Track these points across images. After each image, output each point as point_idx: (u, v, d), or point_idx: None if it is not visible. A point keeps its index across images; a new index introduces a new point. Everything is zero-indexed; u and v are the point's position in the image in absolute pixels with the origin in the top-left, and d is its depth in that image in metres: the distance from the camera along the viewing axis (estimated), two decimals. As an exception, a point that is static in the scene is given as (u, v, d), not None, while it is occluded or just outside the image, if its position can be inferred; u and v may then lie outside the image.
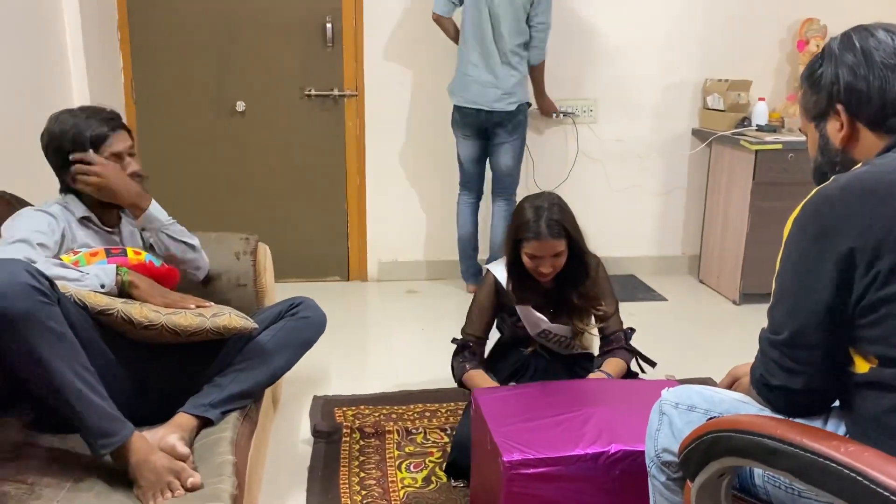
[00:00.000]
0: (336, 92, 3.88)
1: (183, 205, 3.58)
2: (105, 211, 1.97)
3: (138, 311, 1.68)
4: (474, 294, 2.34)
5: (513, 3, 3.40)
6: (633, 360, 2.25)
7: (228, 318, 1.78)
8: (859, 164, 1.18)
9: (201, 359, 1.86)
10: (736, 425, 1.10)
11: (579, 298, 2.17)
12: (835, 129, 1.23)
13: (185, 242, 2.05)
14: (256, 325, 1.87)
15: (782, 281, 1.19)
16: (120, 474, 1.54)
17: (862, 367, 1.11)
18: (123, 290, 1.76)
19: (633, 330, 2.30)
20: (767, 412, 1.22)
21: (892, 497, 0.89)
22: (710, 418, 1.27)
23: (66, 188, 1.94)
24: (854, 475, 0.93)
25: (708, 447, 1.14)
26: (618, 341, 2.24)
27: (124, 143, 1.91)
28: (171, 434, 1.64)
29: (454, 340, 2.33)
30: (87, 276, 1.72)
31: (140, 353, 1.75)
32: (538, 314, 2.20)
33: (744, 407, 1.28)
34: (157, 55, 3.77)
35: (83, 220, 1.92)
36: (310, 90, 3.86)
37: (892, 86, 1.15)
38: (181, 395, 1.79)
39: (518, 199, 3.70)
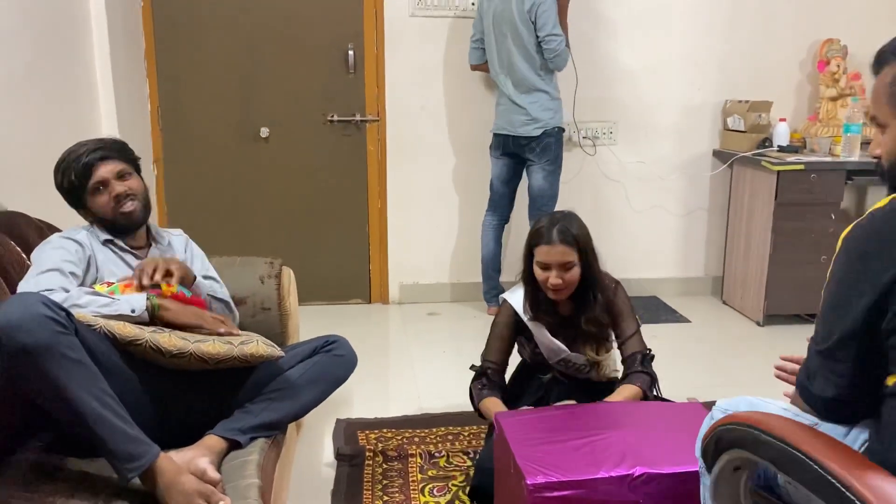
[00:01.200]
0: (358, 117, 3.94)
1: (208, 229, 3.66)
2: (129, 236, 2.01)
3: (167, 340, 1.69)
4: (493, 321, 2.33)
5: (516, 36, 3.47)
6: (652, 385, 2.18)
7: (255, 345, 1.80)
8: None
9: (230, 386, 1.88)
10: (737, 419, 1.21)
11: (587, 323, 2.15)
12: None
13: (224, 301, 2.10)
14: (283, 354, 1.89)
15: (827, 295, 1.22)
16: (149, 495, 1.55)
17: (892, 380, 1.13)
18: (154, 315, 1.77)
19: (649, 355, 2.24)
20: (802, 419, 1.25)
21: (840, 487, 0.96)
22: None
23: (88, 218, 1.99)
24: (813, 465, 1.01)
25: (717, 440, 1.24)
26: (633, 364, 2.18)
27: (111, 170, 1.96)
28: (200, 457, 1.65)
29: (473, 367, 2.32)
30: (118, 301, 1.75)
31: (168, 380, 1.77)
32: (555, 340, 2.19)
33: (783, 414, 1.30)
34: (182, 84, 3.85)
35: (106, 243, 1.96)
36: (332, 116, 3.92)
37: None
38: (208, 421, 1.80)
39: None
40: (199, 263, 2.16)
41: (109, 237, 1.97)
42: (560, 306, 2.20)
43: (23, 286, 1.76)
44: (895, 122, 1.23)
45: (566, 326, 2.20)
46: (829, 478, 0.97)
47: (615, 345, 2.24)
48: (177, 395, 1.80)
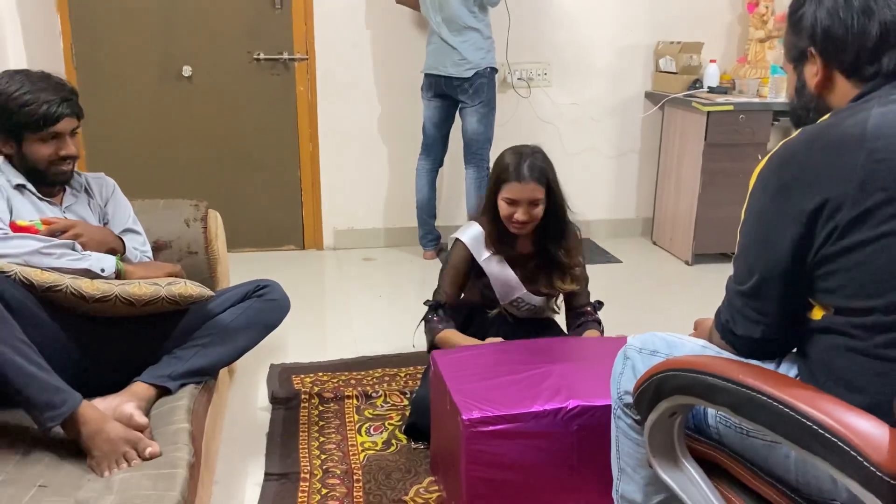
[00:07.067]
0: (286, 55, 3.79)
1: (130, 172, 3.49)
2: (43, 182, 1.90)
3: (89, 285, 1.64)
4: (446, 258, 2.26)
5: None
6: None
7: (184, 286, 1.76)
8: (827, 115, 1.15)
9: (158, 332, 1.83)
10: (680, 364, 1.14)
11: (566, 255, 2.15)
12: (811, 73, 1.20)
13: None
14: (213, 293, 1.86)
15: (745, 234, 1.19)
16: (71, 444, 1.50)
17: (818, 314, 1.13)
18: (120, 277, 1.78)
19: (601, 303, 2.28)
20: (726, 356, 1.23)
21: (813, 425, 0.92)
22: None
23: (6, 150, 1.86)
24: (781, 407, 0.96)
25: (657, 386, 1.17)
26: (587, 315, 2.21)
27: (70, 126, 1.86)
28: (126, 403, 1.61)
29: (426, 302, 2.25)
30: (89, 257, 1.73)
31: (92, 327, 1.71)
32: (514, 276, 2.16)
33: (704, 352, 1.29)
34: (97, 19, 3.62)
35: (18, 188, 1.84)
36: (258, 54, 3.77)
37: (869, 32, 1.11)
38: (137, 370, 1.76)
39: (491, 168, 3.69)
40: (123, 213, 2.06)
41: (22, 182, 1.85)
42: (520, 243, 2.17)
43: None
44: (788, 70, 1.28)
45: (523, 265, 2.18)
46: (799, 417, 0.93)
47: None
48: (102, 343, 1.75)
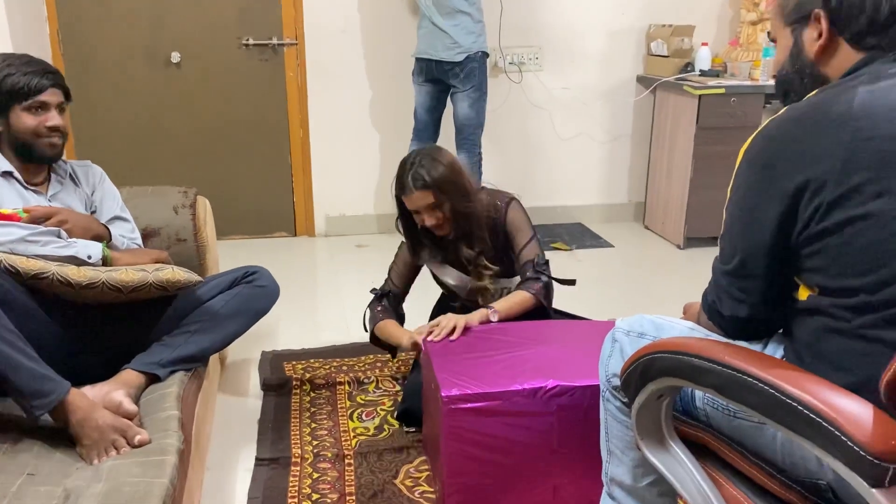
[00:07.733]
0: (275, 41, 3.76)
1: (118, 161, 3.47)
2: (30, 168, 1.88)
3: (76, 272, 1.63)
4: (396, 252, 2.32)
5: None
6: (547, 290, 2.13)
7: (171, 271, 1.75)
8: (814, 92, 1.13)
9: (147, 319, 1.83)
10: (666, 346, 1.13)
11: (467, 260, 2.13)
12: (811, 38, 1.15)
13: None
14: (201, 279, 1.85)
15: (731, 212, 1.18)
16: (60, 433, 1.50)
17: (803, 294, 1.13)
18: (106, 263, 1.76)
19: (545, 261, 2.18)
20: (714, 338, 1.23)
21: (798, 406, 0.91)
22: None
23: None
24: (767, 388, 0.95)
25: (644, 368, 1.16)
26: (525, 272, 2.14)
27: (56, 98, 1.85)
28: (116, 390, 1.61)
29: (373, 290, 2.31)
30: (75, 244, 1.72)
31: (80, 314, 1.70)
32: (460, 275, 2.18)
33: (691, 334, 1.29)
34: (84, 4, 3.58)
35: (5, 175, 1.83)
36: (247, 39, 3.74)
37: (882, 6, 1.08)
38: (127, 357, 1.75)
39: (483, 153, 3.68)
40: (111, 201, 2.04)
41: (8, 170, 1.84)
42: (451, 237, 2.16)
43: None
44: (782, 34, 1.22)
45: (459, 258, 2.18)
46: (784, 398, 0.93)
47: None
48: (91, 331, 1.74)
